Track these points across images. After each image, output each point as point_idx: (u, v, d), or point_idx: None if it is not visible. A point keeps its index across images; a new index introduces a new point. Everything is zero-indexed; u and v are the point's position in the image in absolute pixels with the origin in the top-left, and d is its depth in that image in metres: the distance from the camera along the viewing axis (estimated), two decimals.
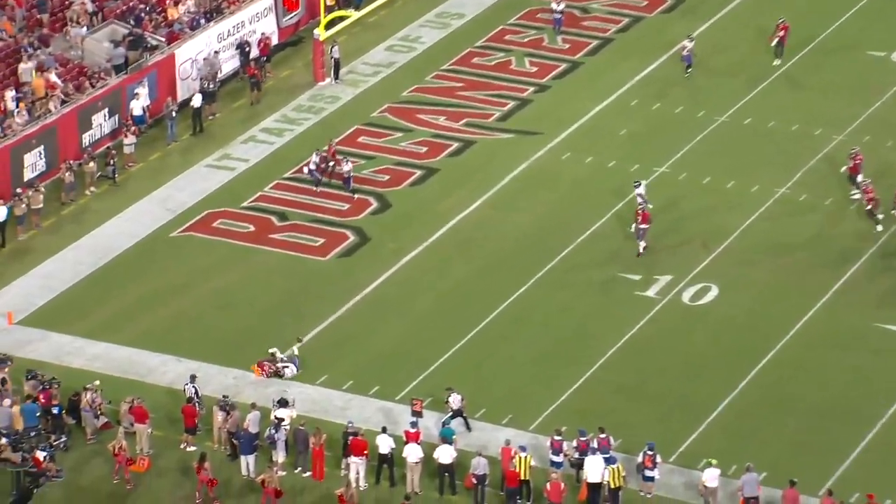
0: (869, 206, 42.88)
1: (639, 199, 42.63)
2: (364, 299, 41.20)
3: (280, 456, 35.79)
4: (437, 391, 37.14)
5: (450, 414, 36.36)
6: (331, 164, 45.23)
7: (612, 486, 34.35)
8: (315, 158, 44.87)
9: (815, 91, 49.55)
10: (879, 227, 42.62)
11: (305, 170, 44.74)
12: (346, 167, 45.08)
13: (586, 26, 53.50)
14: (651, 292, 40.96)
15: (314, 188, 44.82)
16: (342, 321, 40.39)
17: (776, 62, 50.60)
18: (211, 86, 49.32)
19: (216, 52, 50.16)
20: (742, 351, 38.75)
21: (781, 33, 50.59)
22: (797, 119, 48.02)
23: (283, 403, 36.27)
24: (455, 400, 36.34)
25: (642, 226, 41.96)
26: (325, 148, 45.54)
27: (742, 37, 52.60)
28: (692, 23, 53.27)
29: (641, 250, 41.92)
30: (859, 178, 43.88)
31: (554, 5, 52.77)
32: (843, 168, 44.83)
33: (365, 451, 35.10)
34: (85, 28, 49.43)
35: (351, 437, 35.31)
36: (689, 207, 44.06)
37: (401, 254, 42.81)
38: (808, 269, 41.62)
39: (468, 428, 36.32)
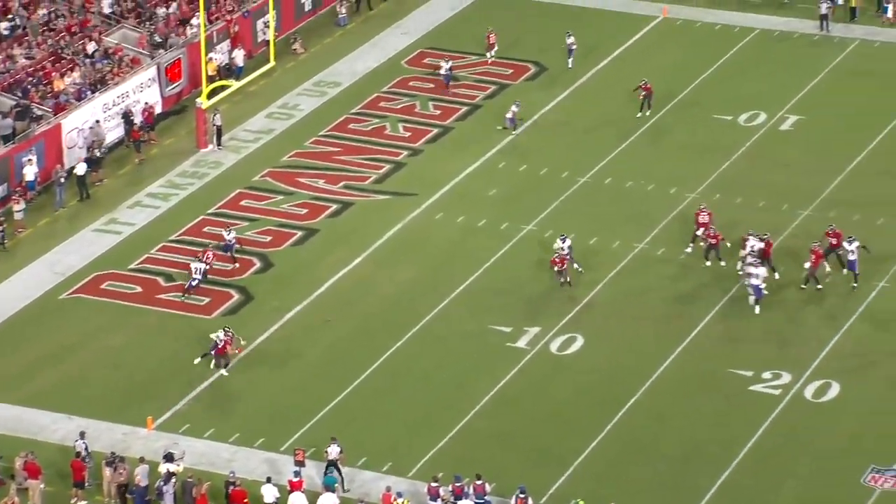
0: (713, 245, 44.13)
1: (563, 250, 43.55)
2: (249, 356, 41.54)
3: None
4: (320, 442, 37.59)
5: (326, 463, 36.79)
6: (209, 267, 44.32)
7: None
8: (200, 267, 43.47)
9: (669, 152, 51.09)
10: (723, 263, 43.94)
11: (194, 281, 43.75)
12: (229, 235, 45.24)
13: (456, 93, 54.59)
14: (521, 343, 41.86)
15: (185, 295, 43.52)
16: (229, 377, 40.69)
17: (638, 115, 52.10)
18: (97, 153, 49.46)
19: (98, 122, 50.28)
20: (606, 399, 39.73)
21: (644, 92, 52.20)
22: (653, 178, 49.42)
23: (169, 458, 36.47)
24: (333, 451, 36.78)
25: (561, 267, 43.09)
26: (205, 257, 44.09)
27: (603, 101, 53.97)
28: (553, 89, 54.60)
29: (568, 279, 43.08)
30: (699, 232, 45.07)
31: (443, 63, 53.60)
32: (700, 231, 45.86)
33: (245, 501, 35.42)
34: None
35: (231, 488, 35.64)
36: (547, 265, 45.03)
37: (283, 312, 43.25)
38: (666, 319, 42.83)
39: (342, 482, 36.61)
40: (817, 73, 55.51)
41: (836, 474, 37.13)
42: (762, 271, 42.82)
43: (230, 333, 40.24)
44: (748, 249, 43.56)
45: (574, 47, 55.15)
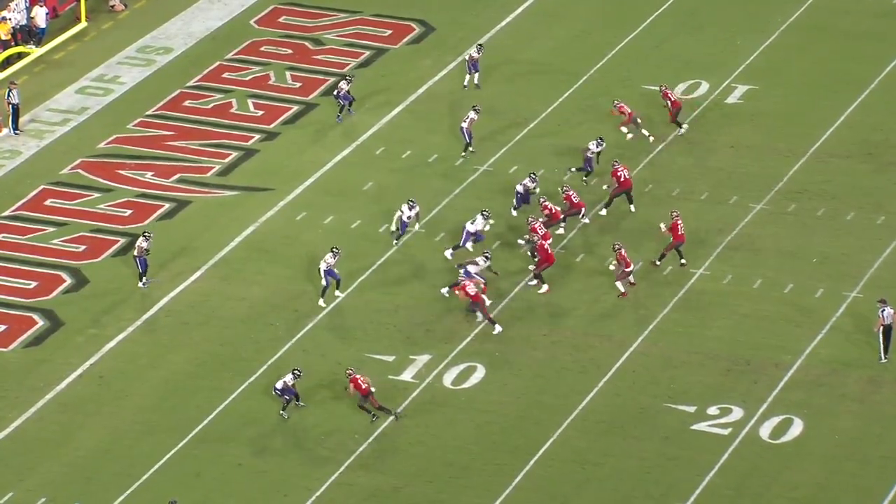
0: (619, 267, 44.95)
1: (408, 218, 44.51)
2: (58, 397, 41.17)
3: None
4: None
5: None
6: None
7: None
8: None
9: (589, 131, 51.51)
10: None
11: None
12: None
13: (319, 60, 54.56)
14: (406, 376, 42.00)
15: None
16: (31, 425, 40.30)
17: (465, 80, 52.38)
18: None
19: None
20: (515, 443, 39.97)
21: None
22: (569, 164, 49.82)
23: None
24: None
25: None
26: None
27: (500, 74, 54.35)
28: (443, 55, 54.85)
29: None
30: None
31: (343, 84, 51.29)
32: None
33: None
34: None
35: None
36: (450, 273, 45.22)
37: (101, 340, 42.92)
38: (585, 342, 43.11)
39: None
40: (772, 30, 56.35)
41: None
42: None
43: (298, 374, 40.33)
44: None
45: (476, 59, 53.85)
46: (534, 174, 47.13)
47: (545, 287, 44.52)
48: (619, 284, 44.23)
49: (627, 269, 44.12)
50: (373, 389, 40.26)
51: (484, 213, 45.62)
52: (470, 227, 45.40)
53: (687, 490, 38.53)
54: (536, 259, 44.73)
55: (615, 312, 44.04)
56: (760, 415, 40.72)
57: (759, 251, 45.96)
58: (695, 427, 40.43)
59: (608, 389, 41.59)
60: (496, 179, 49.18)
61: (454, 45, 55.35)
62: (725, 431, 40.28)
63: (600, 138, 48.32)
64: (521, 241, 45.54)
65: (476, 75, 52.95)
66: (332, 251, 43.95)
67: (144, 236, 44.61)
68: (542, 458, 39.60)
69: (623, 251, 44.01)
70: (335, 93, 51.37)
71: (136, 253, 44.51)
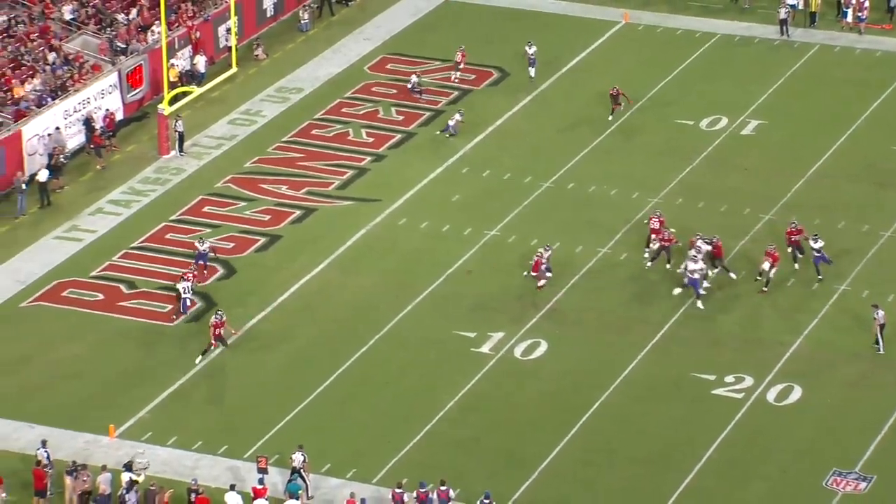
0: (665, 247, 44.23)
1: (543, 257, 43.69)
2: (211, 363, 41.33)
3: None
4: (284, 449, 37.42)
5: (290, 471, 36.64)
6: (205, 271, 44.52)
7: None
8: (187, 286, 43.01)
9: (631, 157, 51.17)
10: (668, 266, 44.16)
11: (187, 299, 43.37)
12: (203, 246, 44.77)
13: (419, 99, 54.52)
14: (485, 348, 41.82)
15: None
16: (191, 384, 40.47)
17: (610, 117, 52.16)
18: (58, 160, 49.15)
19: (57, 128, 49.96)
20: (570, 403, 39.73)
21: (618, 98, 52.25)
22: (616, 183, 49.48)
23: (132, 466, 36.25)
24: (297, 459, 36.63)
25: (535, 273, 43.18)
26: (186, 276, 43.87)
27: (566, 107, 54.01)
28: (517, 94, 54.61)
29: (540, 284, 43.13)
30: (655, 237, 45.12)
31: (413, 78, 53.40)
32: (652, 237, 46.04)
33: None
34: None
35: (194, 496, 35.44)
36: (519, 268, 45.08)
37: (246, 318, 43.05)
38: (628, 324, 42.86)
39: (306, 490, 36.45)
40: (778, 77, 55.78)
41: (798, 477, 37.24)
42: (700, 265, 42.76)
43: (220, 316, 40.22)
44: (693, 251, 43.55)
45: (534, 57, 54.97)
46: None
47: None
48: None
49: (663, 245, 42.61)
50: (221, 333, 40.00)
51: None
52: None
53: (709, 441, 38.12)
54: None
55: (651, 301, 43.68)
56: (767, 383, 40.27)
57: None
58: (714, 392, 40.03)
59: (645, 361, 41.25)
60: (560, 194, 48.97)
61: (526, 88, 55.04)
62: (739, 396, 39.87)
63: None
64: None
65: (532, 70, 52.41)
66: (545, 246, 43.35)
67: (200, 240, 43.98)
68: (592, 415, 39.32)
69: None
70: (451, 123, 51.16)
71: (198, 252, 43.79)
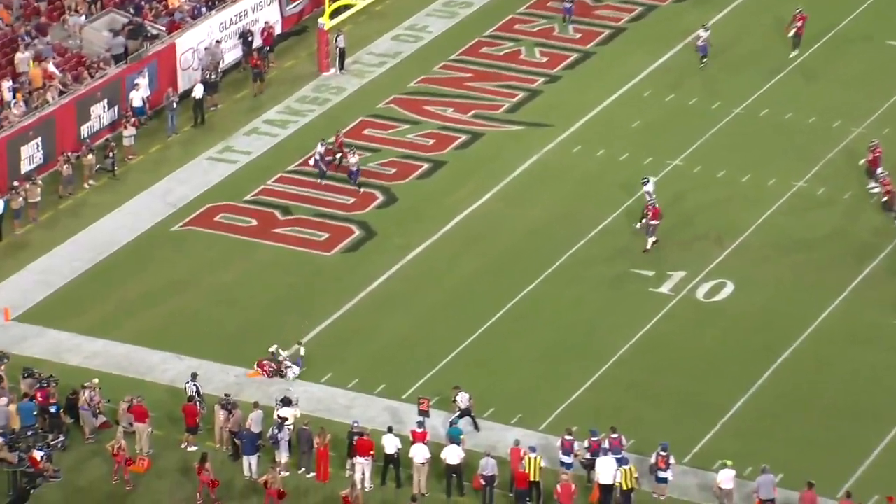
0: (886, 199, 42.80)
1: (647, 196, 42.50)
2: (369, 295, 41.17)
3: (283, 456, 35.76)
4: (445, 390, 37.08)
5: (457, 413, 36.29)
6: (338, 155, 45.22)
7: (624, 487, 34.31)
8: (320, 149, 44.79)
9: (832, 83, 49.45)
10: None
11: (311, 161, 44.74)
12: (353, 159, 45.04)
13: (598, 15, 53.44)
14: (664, 289, 40.91)
15: (318, 181, 44.81)
16: (347, 318, 40.35)
17: (793, 54, 50.54)
18: (213, 76, 49.29)
19: (217, 42, 50.11)
20: (757, 349, 38.69)
21: (799, 24, 50.51)
22: (814, 111, 47.95)
23: (286, 402, 36.23)
24: (462, 399, 36.29)
25: (652, 221, 41.87)
26: (332, 139, 45.53)
27: (758, 27, 52.54)
28: (707, 12, 53.18)
29: (649, 247, 41.84)
30: (879, 170, 43.79)
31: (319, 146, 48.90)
32: (862, 161, 44.77)
33: (371, 452, 35.06)
34: (83, 17, 49.41)
35: (356, 438, 35.27)
36: (704, 202, 43.97)
37: (407, 249, 42.76)
38: (825, 266, 41.54)
39: (476, 428, 36.29)
40: None
41: None
42: None
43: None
44: None
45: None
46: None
47: None
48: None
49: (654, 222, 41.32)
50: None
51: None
52: None
53: None
54: None
55: (849, 243, 42.20)
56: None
57: None
58: None
59: (843, 306, 39.87)
60: (751, 122, 47.55)
61: (718, 4, 53.42)
62: None
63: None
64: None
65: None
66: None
67: (322, 141, 43.92)
68: (783, 362, 38.24)
69: None
70: (699, 44, 49.14)
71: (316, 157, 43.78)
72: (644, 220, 42.04)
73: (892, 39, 51.30)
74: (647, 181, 43.12)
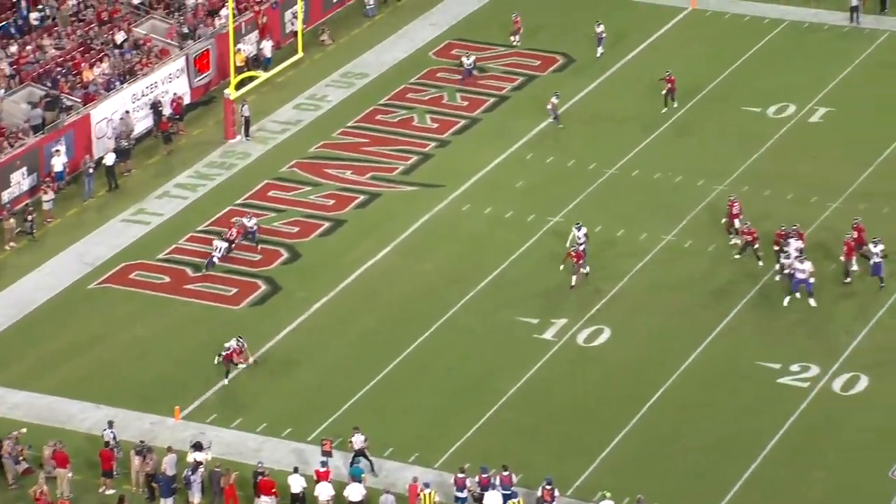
0: (749, 242, 44.04)
1: (578, 241, 43.38)
2: (276, 346, 41.64)
3: (196, 497, 36.10)
4: (347, 432, 37.65)
5: (353, 454, 36.86)
6: (232, 245, 44.67)
7: None
8: (222, 245, 44.08)
9: (697, 144, 50.91)
10: (761, 263, 43.92)
11: (214, 257, 44.10)
12: (250, 223, 45.43)
13: (483, 84, 54.52)
14: (548, 335, 41.83)
15: (203, 271, 43.98)
16: (255, 368, 40.78)
17: (664, 110, 52.00)
18: (126, 143, 49.66)
19: (127, 112, 50.48)
20: (633, 391, 39.66)
21: (669, 85, 52.12)
22: (681, 170, 49.27)
23: (198, 447, 36.61)
24: (357, 440, 36.87)
25: (578, 262, 42.70)
26: (229, 232, 44.80)
27: (631, 93, 53.87)
28: (581, 80, 54.52)
29: (574, 283, 42.78)
30: (737, 223, 45.13)
31: (464, 59, 53.44)
32: (724, 220, 46.00)
33: (273, 491, 35.53)
34: (2, 90, 49.56)
35: (259, 477, 35.74)
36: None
37: (310, 302, 43.32)
38: (693, 311, 42.70)
39: (371, 468, 36.82)
40: (847, 65, 55.24)
41: (863, 467, 36.98)
42: (808, 266, 42.53)
43: (242, 343, 39.97)
44: (792, 248, 43.10)
45: (603, 36, 55.13)
46: None
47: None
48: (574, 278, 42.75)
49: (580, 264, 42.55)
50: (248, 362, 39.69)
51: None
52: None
53: (774, 430, 37.97)
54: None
55: (716, 288, 43.50)
56: (833, 372, 39.99)
57: (836, 243, 45.04)
58: (780, 381, 39.83)
59: (709, 350, 41.09)
60: (625, 181, 48.88)
61: (591, 74, 54.93)
62: (804, 385, 39.63)
63: None
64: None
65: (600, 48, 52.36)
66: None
67: (248, 217, 43.98)
68: (655, 403, 39.23)
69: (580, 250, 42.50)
70: (549, 108, 50.85)
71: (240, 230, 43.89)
72: (574, 264, 42.74)
73: (747, 106, 52.80)
74: (580, 226, 43.81)
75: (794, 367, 40.35)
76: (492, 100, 53.61)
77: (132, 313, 42.88)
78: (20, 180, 47.56)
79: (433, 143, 51.26)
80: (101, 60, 51.78)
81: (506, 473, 35.85)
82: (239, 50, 53.62)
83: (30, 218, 46.33)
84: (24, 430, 37.15)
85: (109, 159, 48.77)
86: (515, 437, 38.17)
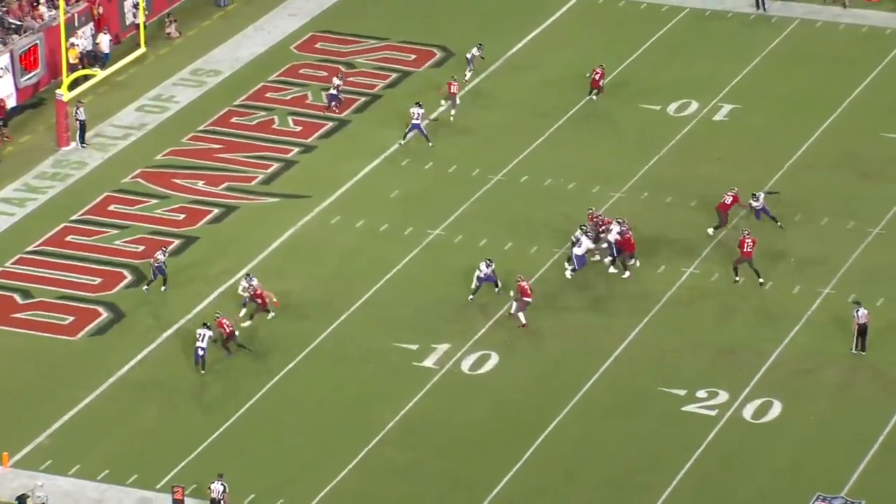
0: (624, 250, 44.66)
1: (481, 273, 43.59)
2: (119, 380, 41.20)
3: None
4: (203, 478, 37.34)
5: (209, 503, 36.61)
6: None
7: None
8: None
9: (591, 146, 51.44)
10: (638, 263, 44.52)
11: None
12: (162, 257, 44.55)
13: (352, 83, 54.56)
14: (429, 362, 41.95)
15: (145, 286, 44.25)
16: (95, 405, 40.32)
17: (588, 98, 52.29)
18: None
19: None
20: (525, 422, 39.92)
21: (596, 77, 52.30)
22: (574, 176, 49.74)
23: (21, 501, 36.07)
24: (216, 489, 36.59)
25: (525, 299, 42.58)
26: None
27: (518, 89, 54.28)
28: (459, 77, 54.73)
29: (524, 321, 42.70)
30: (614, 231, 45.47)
31: (336, 80, 52.65)
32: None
33: None
34: None
35: None
36: (466, 272, 45.19)
37: (159, 330, 42.94)
38: (588, 334, 43.07)
39: None
40: (753, 56, 56.28)
41: (778, 502, 37.55)
42: (588, 243, 43.42)
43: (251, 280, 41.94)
44: (613, 233, 43.98)
45: (477, 56, 53.92)
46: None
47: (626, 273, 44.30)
48: (521, 315, 42.71)
49: (527, 300, 42.79)
50: (236, 332, 40.60)
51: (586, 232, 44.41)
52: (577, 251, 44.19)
53: (680, 462, 38.43)
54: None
55: (613, 307, 43.95)
56: (743, 398, 40.60)
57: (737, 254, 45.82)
58: (685, 409, 40.33)
59: (608, 375, 41.49)
60: (512, 188, 49.20)
61: (474, 69, 55.19)
62: (712, 413, 40.18)
63: None
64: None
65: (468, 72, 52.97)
66: (486, 261, 43.45)
67: (162, 250, 44.29)
68: (550, 435, 39.52)
69: (524, 283, 42.72)
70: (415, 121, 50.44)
71: (154, 264, 44.11)
72: (512, 295, 42.78)
73: (645, 103, 53.53)
74: (490, 262, 43.52)
75: (701, 394, 40.88)
76: (362, 99, 53.70)
77: None
78: None
79: (297, 149, 51.20)
80: None
81: None
82: (72, 45, 53.08)
83: None
84: None
85: None
86: (395, 476, 38.19)
